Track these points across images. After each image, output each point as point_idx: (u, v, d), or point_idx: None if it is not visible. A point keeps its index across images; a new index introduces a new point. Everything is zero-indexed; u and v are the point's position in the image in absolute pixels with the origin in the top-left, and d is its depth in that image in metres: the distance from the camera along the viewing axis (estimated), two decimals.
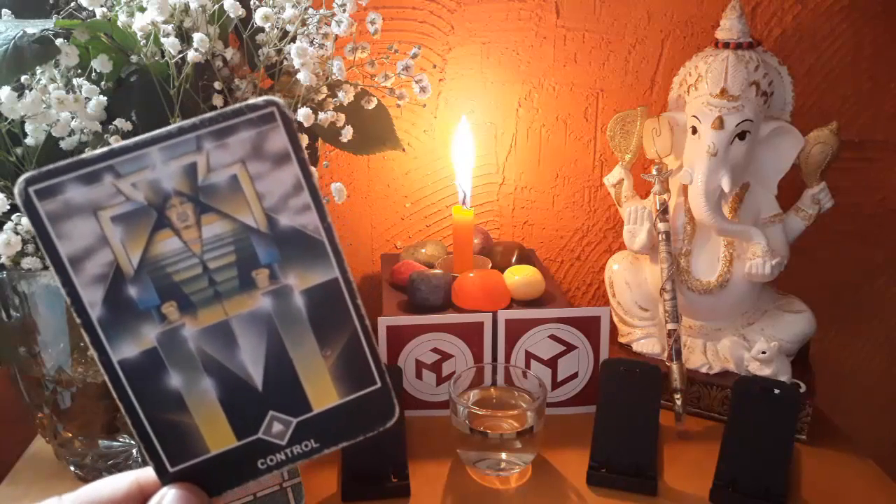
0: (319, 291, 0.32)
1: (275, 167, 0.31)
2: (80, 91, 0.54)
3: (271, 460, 0.33)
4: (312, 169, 0.31)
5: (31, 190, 0.29)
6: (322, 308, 0.32)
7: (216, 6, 0.56)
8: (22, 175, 0.29)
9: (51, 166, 0.29)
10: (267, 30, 0.57)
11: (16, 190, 0.29)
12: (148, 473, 0.32)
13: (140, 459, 0.66)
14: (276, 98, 0.30)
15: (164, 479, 0.32)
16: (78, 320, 0.30)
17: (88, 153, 0.29)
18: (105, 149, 0.29)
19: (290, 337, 0.32)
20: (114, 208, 0.30)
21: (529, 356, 0.76)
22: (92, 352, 0.31)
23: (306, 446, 0.33)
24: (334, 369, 0.33)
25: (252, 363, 0.32)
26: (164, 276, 0.31)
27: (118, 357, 0.31)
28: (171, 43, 0.53)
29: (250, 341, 0.32)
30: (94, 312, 0.30)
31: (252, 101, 0.30)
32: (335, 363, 0.33)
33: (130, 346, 0.31)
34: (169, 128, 0.30)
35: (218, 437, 0.32)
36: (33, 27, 0.52)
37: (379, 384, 0.33)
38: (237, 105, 0.30)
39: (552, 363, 0.77)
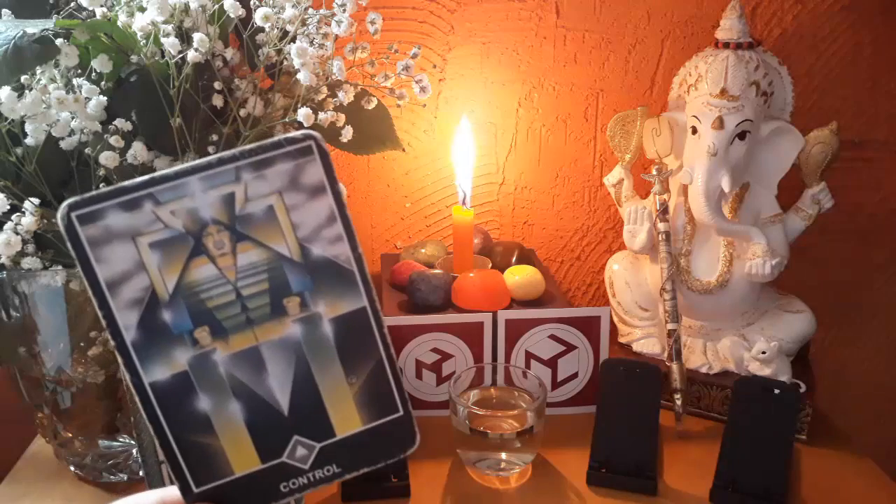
0: (348, 320, 0.33)
1: (310, 198, 0.32)
2: (80, 91, 0.54)
3: (293, 484, 0.34)
4: (345, 201, 0.32)
5: (73, 215, 0.30)
6: (349, 336, 0.33)
7: (216, 6, 0.56)
8: (65, 201, 0.30)
9: (93, 192, 0.30)
10: (267, 30, 0.57)
11: (58, 215, 0.30)
12: (173, 493, 0.33)
13: (140, 459, 0.66)
14: (314, 132, 0.31)
15: (189, 498, 0.33)
16: (112, 343, 0.31)
17: (130, 181, 0.30)
18: (146, 177, 0.30)
19: (317, 364, 0.33)
20: (152, 235, 0.31)
21: (529, 356, 0.76)
22: (124, 373, 0.31)
23: (328, 471, 0.34)
24: (359, 396, 0.33)
25: (279, 388, 0.33)
26: (199, 301, 0.32)
27: (150, 379, 0.32)
28: (171, 43, 0.53)
29: (279, 367, 0.33)
30: (129, 335, 0.31)
31: (291, 134, 0.31)
32: (360, 390, 0.33)
33: (162, 369, 0.32)
34: (209, 158, 0.31)
35: (243, 459, 0.33)
36: (33, 27, 0.52)
37: (401, 412, 0.34)
38: (276, 138, 0.31)
39: (552, 363, 0.77)
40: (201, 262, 0.31)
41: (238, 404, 0.32)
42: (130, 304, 0.31)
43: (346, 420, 0.33)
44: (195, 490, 0.33)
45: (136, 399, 0.32)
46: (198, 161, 0.30)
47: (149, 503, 0.33)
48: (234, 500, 0.33)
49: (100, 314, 0.31)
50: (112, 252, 0.30)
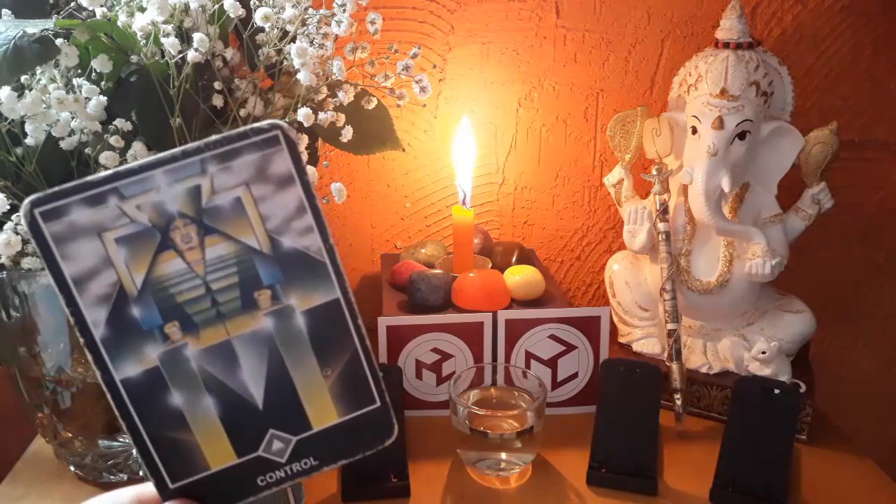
0: (321, 312, 0.32)
1: (278, 189, 0.31)
2: (80, 91, 0.54)
3: (271, 477, 0.33)
4: (315, 191, 0.32)
5: (36, 212, 0.29)
6: (323, 328, 0.33)
7: (216, 6, 0.56)
8: (27, 197, 0.29)
9: (56, 188, 0.29)
10: (267, 30, 0.57)
11: (21, 212, 0.29)
12: (149, 489, 0.33)
13: (139, 459, 0.66)
14: (280, 121, 0.31)
15: (165, 494, 0.33)
16: (81, 340, 0.31)
17: (93, 175, 0.30)
18: (110, 171, 0.30)
19: (291, 356, 0.33)
20: (118, 230, 0.30)
21: (529, 356, 0.76)
22: (95, 371, 0.31)
23: (306, 464, 0.33)
24: (334, 388, 0.33)
25: (253, 382, 0.33)
26: (168, 296, 0.31)
27: (121, 376, 0.31)
28: (171, 43, 0.53)
29: (252, 361, 0.32)
30: (98, 332, 0.31)
31: (256, 124, 0.30)
32: (335, 382, 0.33)
33: (133, 366, 0.31)
34: (173, 151, 0.30)
35: (218, 454, 0.33)
36: (33, 27, 0.52)
37: (378, 403, 0.34)
38: (241, 128, 0.30)
39: (552, 363, 0.77)
40: (169, 257, 0.31)
41: (211, 399, 0.32)
42: (98, 301, 0.30)
43: (323, 412, 0.33)
44: (171, 486, 0.33)
45: (109, 396, 0.31)
46: (162, 154, 0.30)
47: (124, 500, 0.33)
48: (211, 496, 0.33)
49: (67, 311, 0.30)
50: (78, 248, 0.30)
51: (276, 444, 0.33)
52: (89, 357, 0.31)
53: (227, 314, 0.32)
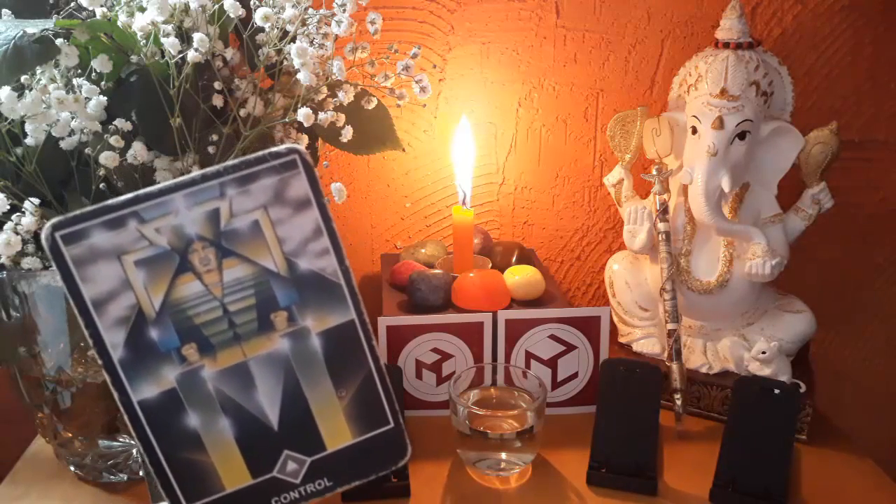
0: (336, 333, 0.33)
1: (296, 212, 0.31)
2: (80, 91, 0.54)
3: (285, 498, 0.34)
4: (331, 214, 0.32)
5: (57, 235, 0.30)
6: (338, 349, 0.33)
7: (216, 6, 0.56)
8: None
9: (77, 212, 0.30)
10: (267, 30, 0.57)
11: (42, 235, 0.30)
12: None
13: (140, 459, 0.66)
14: (298, 146, 0.31)
15: None
16: (99, 361, 0.31)
17: (113, 199, 0.30)
18: (130, 195, 0.30)
19: (306, 378, 0.33)
20: (138, 253, 0.31)
21: (529, 356, 0.76)
22: (112, 392, 0.31)
23: (320, 485, 0.34)
24: (349, 410, 0.33)
25: (269, 403, 0.33)
26: (186, 318, 0.32)
27: (138, 397, 0.32)
28: (171, 43, 0.53)
29: (268, 382, 0.33)
30: (116, 354, 0.31)
31: (274, 148, 0.31)
32: (350, 404, 0.33)
33: (151, 387, 0.32)
34: (193, 175, 0.30)
35: (233, 475, 0.33)
36: (33, 27, 0.53)
37: (392, 424, 0.34)
38: (260, 153, 0.31)
39: (552, 363, 0.77)
40: (187, 279, 0.31)
41: (227, 420, 0.32)
42: (117, 323, 0.31)
43: (337, 434, 0.33)
44: None
45: (125, 417, 0.32)
46: (182, 178, 0.30)
47: None
48: None
49: (86, 333, 0.31)
50: (97, 271, 0.30)
51: (291, 465, 0.33)
52: (107, 378, 0.31)
53: (243, 336, 0.32)
